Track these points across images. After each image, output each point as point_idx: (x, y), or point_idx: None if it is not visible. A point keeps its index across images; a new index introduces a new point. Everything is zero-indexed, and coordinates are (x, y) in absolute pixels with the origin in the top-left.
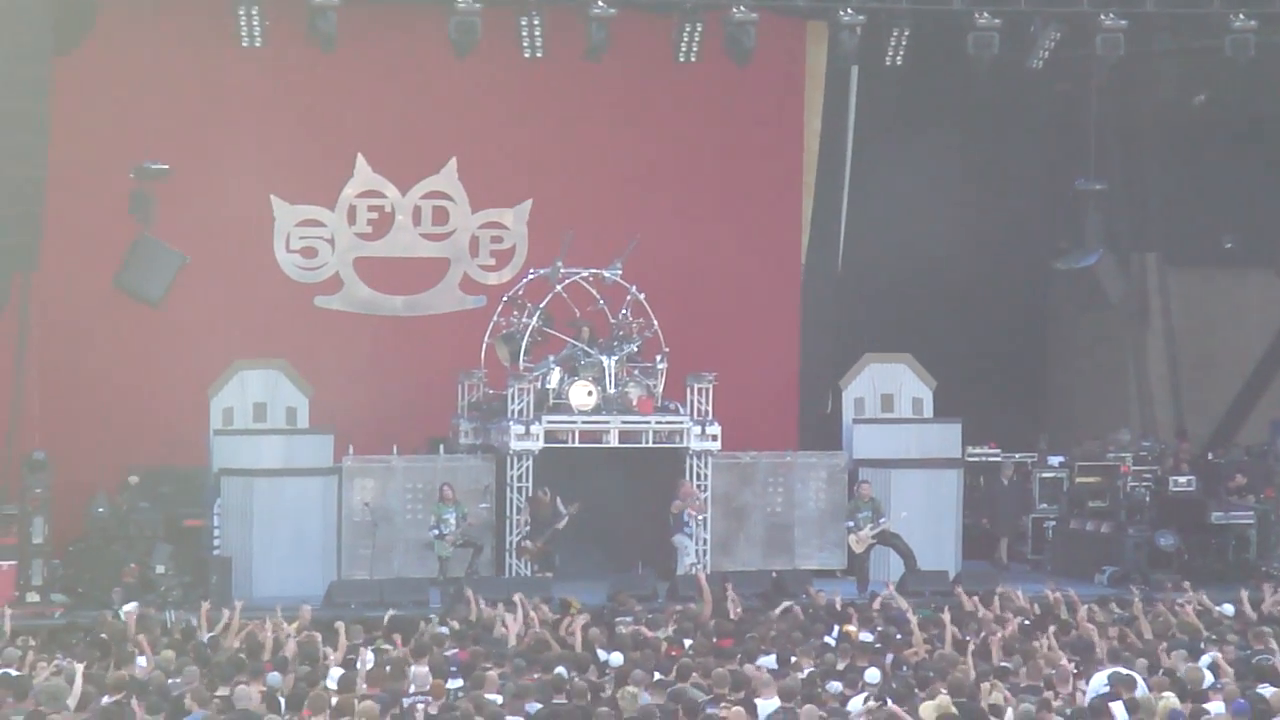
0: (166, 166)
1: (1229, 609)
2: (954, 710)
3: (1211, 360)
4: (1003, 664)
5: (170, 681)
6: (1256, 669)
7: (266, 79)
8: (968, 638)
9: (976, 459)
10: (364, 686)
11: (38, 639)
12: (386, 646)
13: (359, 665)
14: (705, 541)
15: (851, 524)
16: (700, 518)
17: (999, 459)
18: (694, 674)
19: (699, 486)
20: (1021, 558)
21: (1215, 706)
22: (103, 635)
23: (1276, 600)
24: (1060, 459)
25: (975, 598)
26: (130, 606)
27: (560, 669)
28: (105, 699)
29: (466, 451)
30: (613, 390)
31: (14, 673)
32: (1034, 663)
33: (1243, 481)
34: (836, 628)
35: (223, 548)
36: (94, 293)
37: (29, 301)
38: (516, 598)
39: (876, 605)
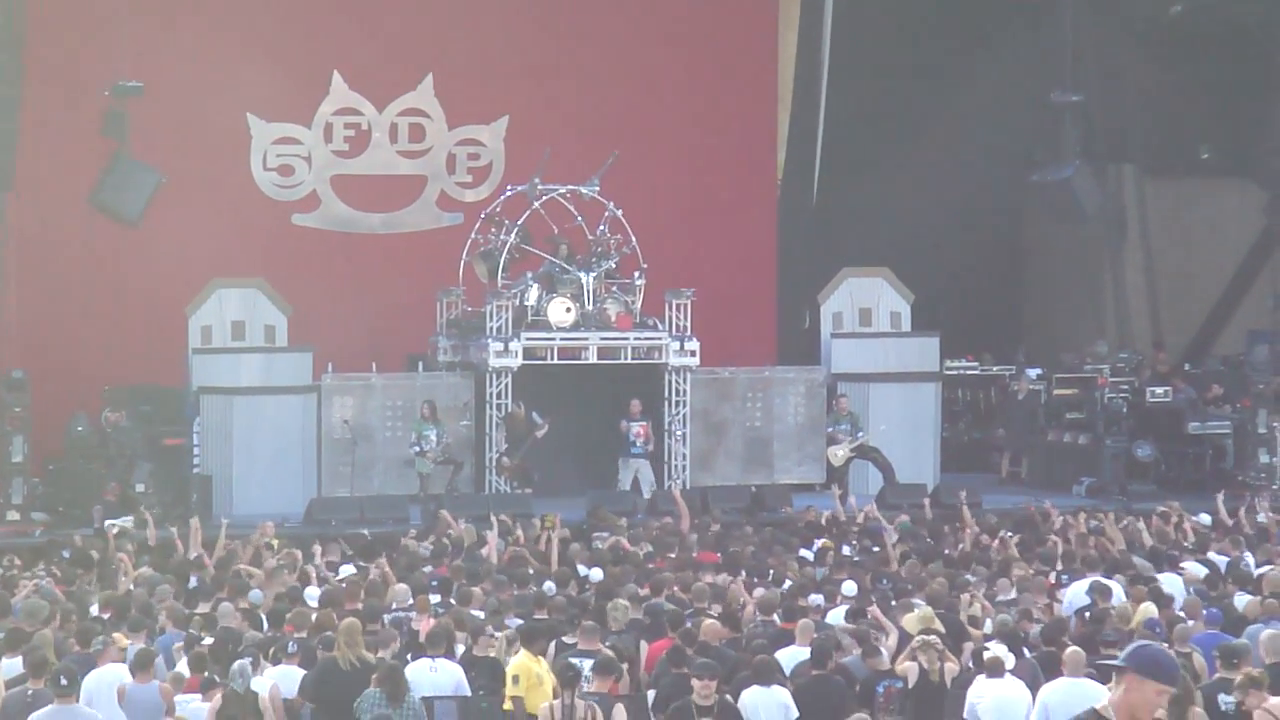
0: (141, 84)
1: (1206, 519)
2: (935, 620)
3: (1188, 271)
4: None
5: (152, 600)
6: (1235, 576)
7: None
8: (946, 549)
9: (954, 372)
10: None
11: (21, 557)
12: (364, 565)
13: (346, 580)
14: (684, 457)
15: (832, 430)
16: (646, 440)
17: (1010, 373)
18: (674, 588)
19: (678, 402)
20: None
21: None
22: (92, 553)
23: (1252, 509)
24: (1038, 371)
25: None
26: (121, 521)
27: (549, 584)
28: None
29: (445, 369)
30: (591, 307)
31: None
32: (1015, 574)
33: (1220, 391)
34: (816, 542)
35: (203, 466)
36: (71, 212)
37: (5, 221)
38: (492, 517)
39: (860, 520)
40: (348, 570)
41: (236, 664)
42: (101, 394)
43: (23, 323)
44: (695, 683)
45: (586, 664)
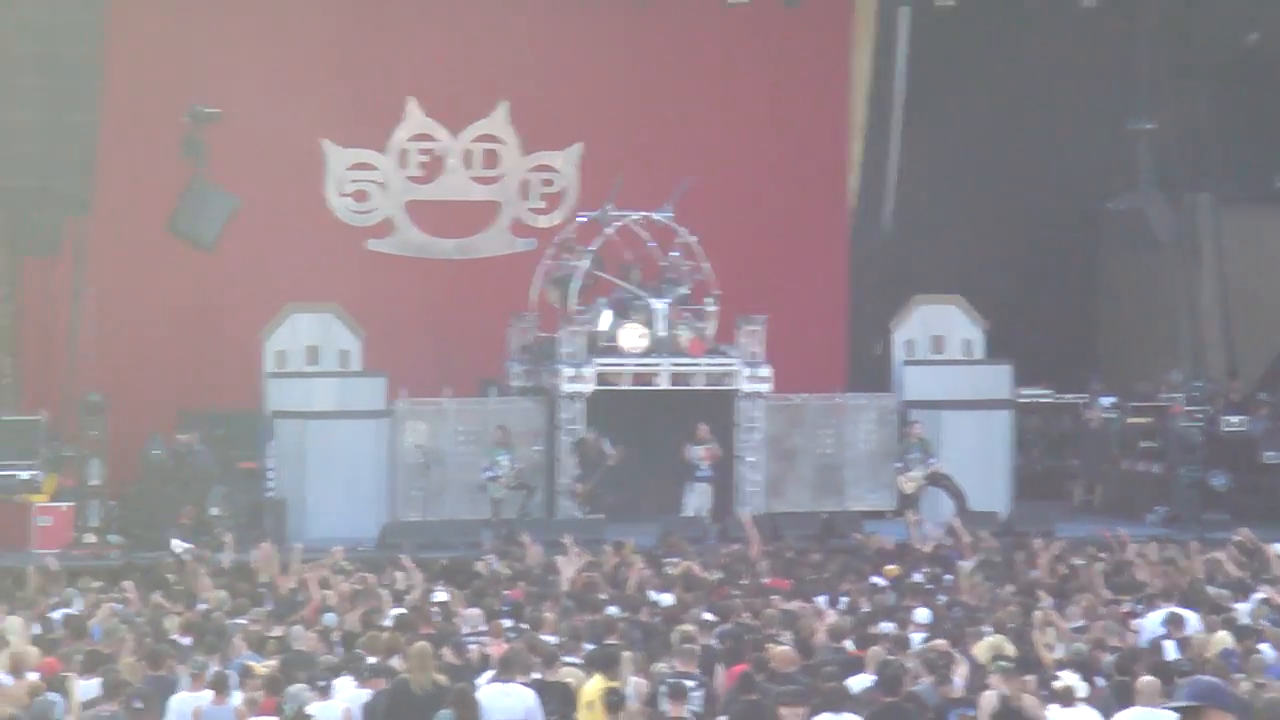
0: (219, 110)
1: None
2: (1007, 648)
3: (1263, 299)
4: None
5: (228, 622)
6: None
7: (318, 21)
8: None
9: (1028, 400)
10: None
11: (98, 580)
12: (439, 588)
13: (414, 606)
14: (756, 483)
15: (901, 464)
16: (711, 463)
17: (1084, 401)
18: (745, 613)
19: (750, 429)
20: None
21: (1264, 646)
22: (169, 576)
23: None
24: (1112, 399)
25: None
26: (182, 547)
27: (613, 609)
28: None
29: (518, 394)
30: (663, 333)
31: (74, 612)
32: (1086, 602)
33: None
34: (885, 569)
35: (277, 490)
36: (148, 236)
37: (83, 245)
38: (566, 539)
39: (928, 548)
40: (441, 595)
41: (293, 688)
42: (176, 418)
43: (100, 346)
44: (783, 710)
45: (691, 683)
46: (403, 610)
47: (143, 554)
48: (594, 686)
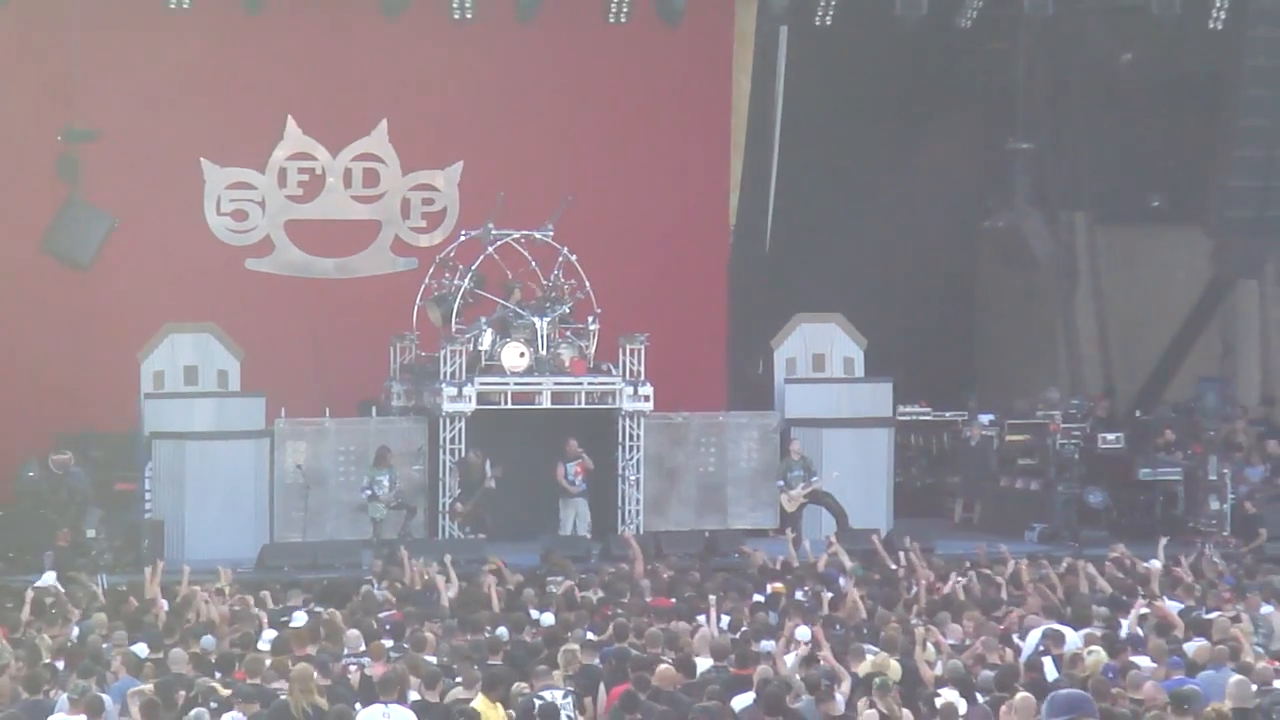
0: (94, 129)
1: (1155, 564)
2: (892, 664)
3: (1140, 318)
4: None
5: (104, 646)
6: (1191, 623)
7: (195, 40)
8: (900, 595)
9: (908, 418)
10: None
11: None
12: (319, 610)
13: (291, 627)
14: (638, 501)
15: (783, 483)
16: (584, 477)
17: (964, 419)
18: (628, 633)
19: (632, 447)
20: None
21: (1143, 660)
22: (45, 600)
23: (1202, 556)
24: (990, 417)
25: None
26: (46, 578)
27: (501, 629)
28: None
29: (399, 414)
30: (545, 352)
31: None
32: (968, 620)
33: (1172, 437)
34: (768, 587)
35: (154, 511)
36: (22, 256)
37: None
38: (446, 559)
39: (821, 566)
40: (300, 617)
41: (194, 711)
42: (52, 439)
43: None
44: None
45: (557, 695)
46: (275, 632)
47: (18, 578)
48: (479, 706)
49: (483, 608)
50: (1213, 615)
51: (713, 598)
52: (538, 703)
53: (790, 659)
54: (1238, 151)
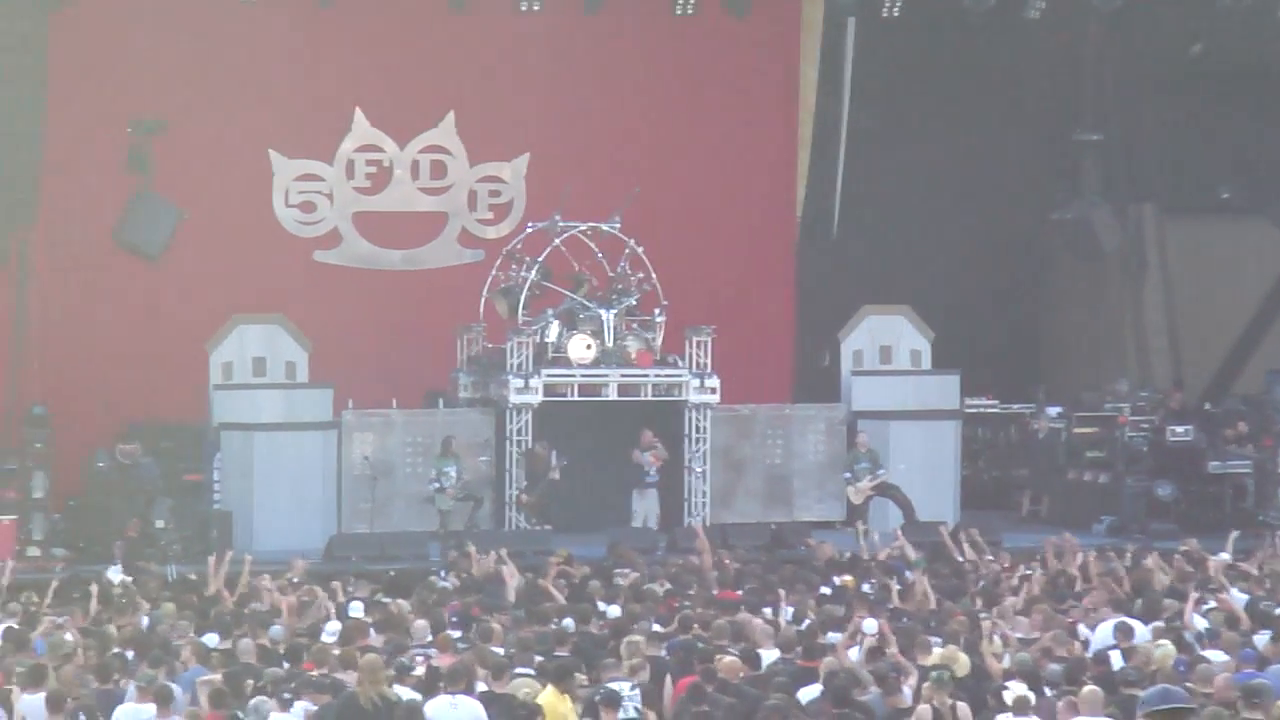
0: (164, 120)
1: (1225, 557)
2: (961, 657)
3: (1208, 310)
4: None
5: (173, 636)
6: (1255, 615)
7: (264, 32)
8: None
9: (975, 410)
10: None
11: (41, 594)
12: (386, 600)
13: (361, 618)
14: (704, 494)
15: (849, 475)
16: (658, 467)
17: (1031, 411)
18: (694, 625)
19: (698, 439)
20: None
21: (1214, 654)
22: (115, 589)
23: (1273, 552)
24: (1058, 409)
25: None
26: (113, 572)
27: (568, 620)
28: (113, 651)
29: (466, 405)
30: (611, 344)
31: (16, 626)
32: (1036, 613)
33: (1245, 430)
34: (837, 579)
35: (223, 502)
36: (93, 248)
37: (28, 256)
38: (502, 552)
39: (882, 556)
40: (356, 608)
41: (254, 700)
42: (119, 430)
43: (45, 358)
44: None
45: (625, 686)
46: (339, 624)
47: (88, 567)
48: (546, 699)
49: (548, 599)
50: None
51: (782, 591)
52: (605, 690)
53: (854, 652)
54: None
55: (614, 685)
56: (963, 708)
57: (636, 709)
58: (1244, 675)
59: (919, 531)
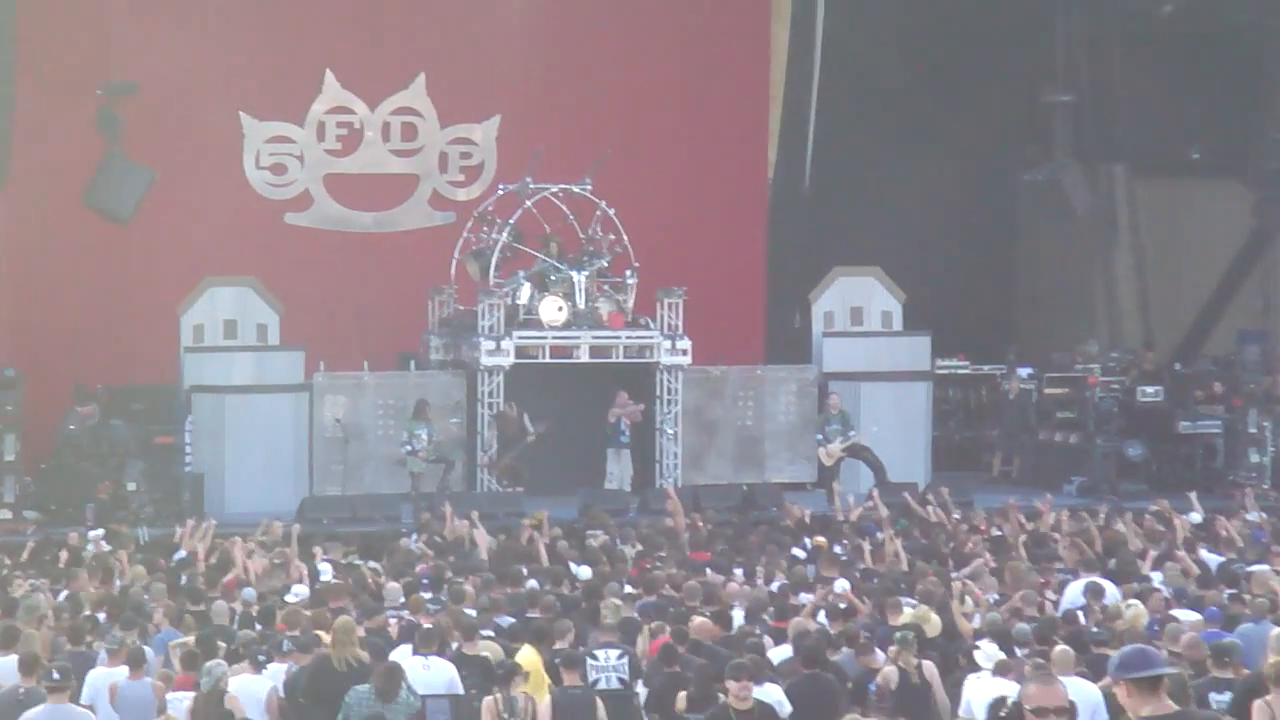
0: (134, 83)
1: (1196, 518)
2: (933, 617)
3: (1179, 271)
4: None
5: (145, 598)
6: (1225, 576)
7: None
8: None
9: (946, 371)
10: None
11: (13, 558)
12: (359, 562)
13: (332, 580)
14: (676, 455)
15: (821, 437)
16: (631, 425)
17: (1002, 372)
18: (665, 586)
19: (669, 401)
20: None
21: (1182, 613)
22: (86, 551)
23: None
24: (1029, 370)
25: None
26: (96, 533)
27: (532, 582)
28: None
29: (437, 367)
30: (583, 305)
31: None
32: (1005, 573)
33: (1220, 390)
34: (809, 540)
35: (194, 464)
36: (63, 210)
37: None
38: (474, 515)
39: (854, 517)
40: (325, 568)
41: (209, 663)
42: (79, 391)
43: (15, 321)
44: (732, 684)
45: (612, 655)
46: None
47: (60, 530)
48: (527, 658)
49: (520, 561)
50: (1255, 568)
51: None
52: (590, 662)
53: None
54: (1279, 104)
55: (603, 654)
56: (929, 666)
57: (621, 680)
58: (1211, 635)
59: (890, 493)
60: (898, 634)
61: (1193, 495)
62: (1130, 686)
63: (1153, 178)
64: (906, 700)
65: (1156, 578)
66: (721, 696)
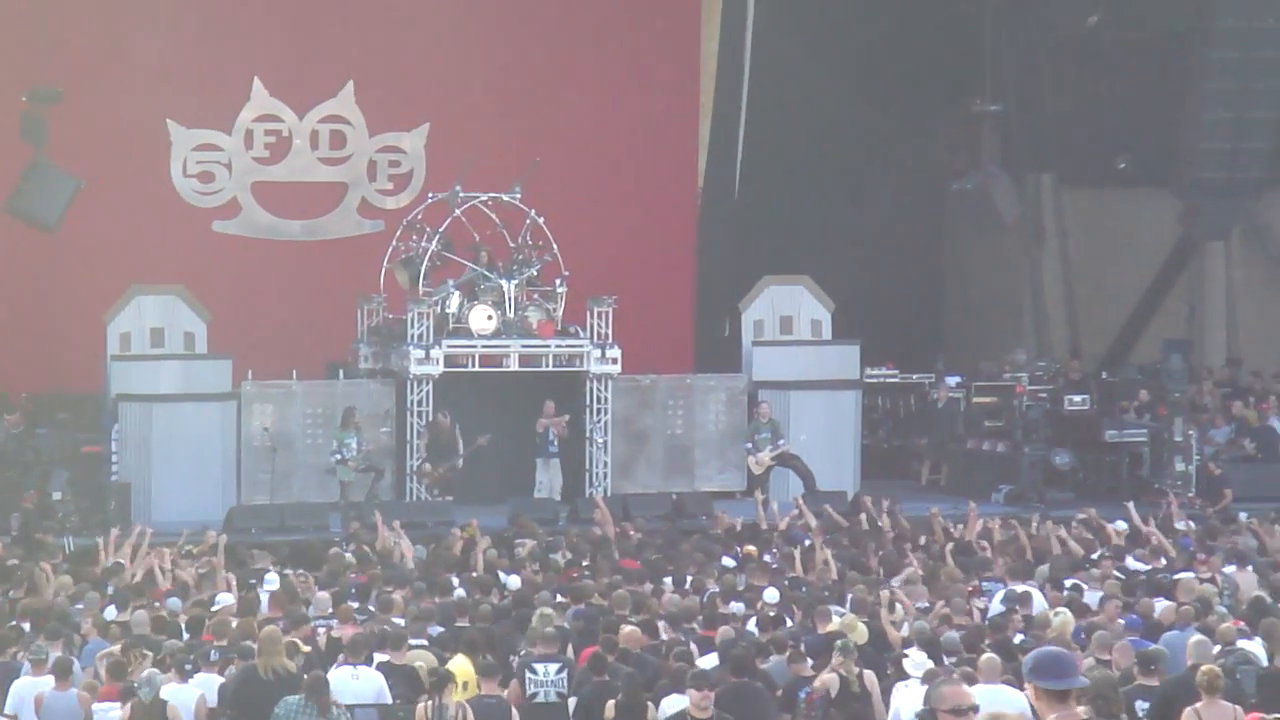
0: (60, 90)
1: (1123, 525)
2: (859, 625)
3: (1106, 280)
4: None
5: (77, 607)
6: (1151, 584)
7: (161, 1)
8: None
9: (875, 380)
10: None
11: None
12: (288, 572)
13: (261, 590)
14: (606, 464)
15: (750, 445)
16: (561, 436)
17: (931, 381)
18: (594, 594)
19: (599, 410)
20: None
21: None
22: (11, 561)
23: (1169, 517)
24: (957, 379)
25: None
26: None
27: (461, 591)
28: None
29: (366, 376)
30: (513, 314)
31: None
32: (934, 582)
33: (1147, 398)
34: (741, 549)
35: (121, 473)
36: None
37: None
38: (396, 525)
39: (782, 526)
40: (271, 579)
41: (145, 673)
42: (3, 399)
43: None
44: (693, 693)
45: (551, 669)
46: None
47: None
48: (460, 667)
49: (450, 570)
50: (1181, 576)
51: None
52: (529, 675)
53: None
54: (1206, 114)
55: (542, 668)
56: (870, 675)
57: (559, 694)
58: (1137, 643)
59: (819, 501)
60: (839, 642)
61: (1130, 505)
62: (1039, 691)
63: (1080, 187)
64: (846, 709)
65: (1085, 586)
66: (650, 706)
